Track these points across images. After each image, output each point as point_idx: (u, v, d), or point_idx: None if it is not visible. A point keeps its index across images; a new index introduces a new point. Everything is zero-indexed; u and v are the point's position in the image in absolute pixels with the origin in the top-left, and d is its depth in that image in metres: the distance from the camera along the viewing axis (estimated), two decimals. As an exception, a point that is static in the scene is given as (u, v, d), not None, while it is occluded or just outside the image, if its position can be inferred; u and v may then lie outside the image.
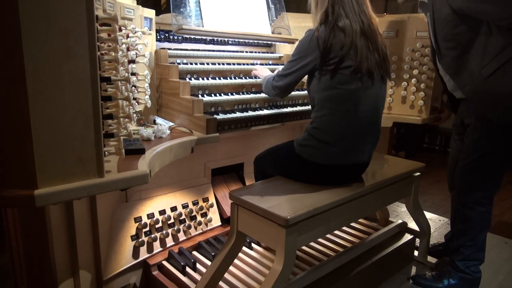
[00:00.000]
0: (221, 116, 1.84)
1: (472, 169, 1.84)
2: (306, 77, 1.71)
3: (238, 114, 1.92)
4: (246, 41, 2.47)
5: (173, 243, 1.99)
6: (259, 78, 2.14)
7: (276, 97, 1.83)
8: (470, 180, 1.86)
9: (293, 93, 2.29)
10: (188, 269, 1.80)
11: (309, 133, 1.62)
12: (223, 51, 2.33)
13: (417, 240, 2.27)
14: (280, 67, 1.88)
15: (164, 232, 1.96)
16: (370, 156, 1.70)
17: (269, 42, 2.59)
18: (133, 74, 1.66)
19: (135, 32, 1.66)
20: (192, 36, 2.18)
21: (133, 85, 1.65)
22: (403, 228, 2.28)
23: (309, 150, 1.61)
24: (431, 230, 2.28)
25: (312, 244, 2.07)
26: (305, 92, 2.26)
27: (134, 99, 1.66)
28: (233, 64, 2.26)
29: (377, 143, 1.72)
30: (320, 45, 1.54)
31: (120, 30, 1.48)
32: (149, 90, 1.83)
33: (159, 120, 1.89)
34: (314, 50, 1.56)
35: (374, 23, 1.63)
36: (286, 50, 2.67)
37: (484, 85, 1.68)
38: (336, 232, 2.23)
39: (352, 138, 1.58)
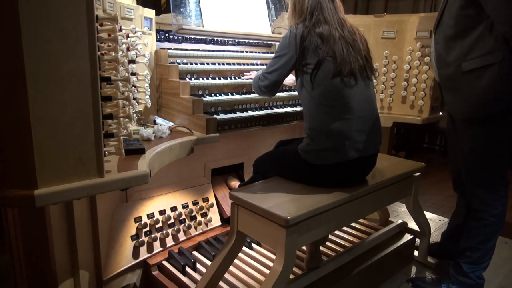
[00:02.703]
0: (221, 116, 1.84)
1: (472, 172, 1.81)
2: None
3: (238, 114, 1.92)
4: (246, 41, 2.47)
5: (173, 243, 1.99)
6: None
7: (265, 96, 1.84)
8: (475, 183, 1.82)
9: (293, 93, 2.31)
10: (188, 269, 1.80)
11: (309, 136, 1.63)
12: (223, 51, 2.33)
13: (417, 240, 2.27)
14: None
15: (164, 232, 1.96)
16: (374, 147, 1.68)
17: (269, 42, 2.59)
18: (133, 74, 1.66)
19: (135, 32, 1.66)
20: (192, 36, 2.18)
21: (133, 85, 1.65)
22: (403, 228, 2.28)
23: (312, 154, 1.61)
24: (431, 230, 2.28)
25: (312, 244, 2.07)
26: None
27: (134, 99, 1.66)
28: (233, 64, 2.26)
29: (380, 134, 1.71)
30: (297, 42, 1.58)
31: (120, 30, 1.48)
32: (149, 90, 1.83)
33: (159, 120, 1.89)
34: (292, 46, 1.60)
35: (354, 28, 1.68)
36: (286, 50, 2.67)
37: (457, 77, 1.69)
38: (336, 232, 2.23)
39: (348, 131, 1.57)
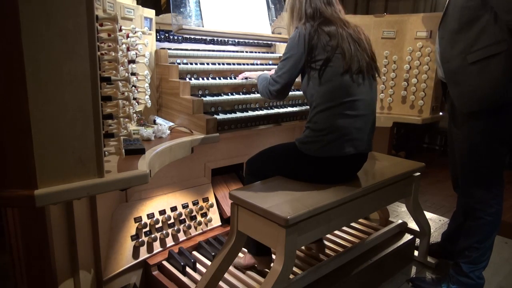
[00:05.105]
0: (221, 116, 1.84)
1: (470, 170, 1.81)
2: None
3: (238, 114, 1.92)
4: (246, 41, 2.47)
5: (173, 243, 1.99)
6: (251, 79, 2.13)
7: (276, 100, 1.83)
8: (471, 181, 1.82)
9: (293, 93, 2.30)
10: (188, 269, 1.80)
11: (310, 129, 1.64)
12: (223, 51, 2.33)
13: (417, 240, 2.27)
14: None
15: (164, 232, 1.96)
16: (369, 146, 1.71)
17: (269, 42, 2.59)
18: (133, 74, 1.66)
19: (135, 32, 1.67)
20: (192, 36, 2.18)
21: (133, 85, 1.65)
22: (403, 228, 2.28)
23: (310, 146, 1.63)
24: (431, 230, 2.27)
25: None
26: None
27: (134, 99, 1.66)
28: (233, 64, 2.26)
29: (374, 133, 1.74)
30: (305, 41, 1.59)
31: (120, 30, 1.48)
32: (149, 90, 1.83)
33: (159, 120, 1.90)
34: (301, 46, 1.60)
35: (358, 27, 1.69)
36: (286, 50, 2.67)
37: (463, 70, 1.68)
38: (336, 232, 2.23)
39: (350, 127, 1.60)
